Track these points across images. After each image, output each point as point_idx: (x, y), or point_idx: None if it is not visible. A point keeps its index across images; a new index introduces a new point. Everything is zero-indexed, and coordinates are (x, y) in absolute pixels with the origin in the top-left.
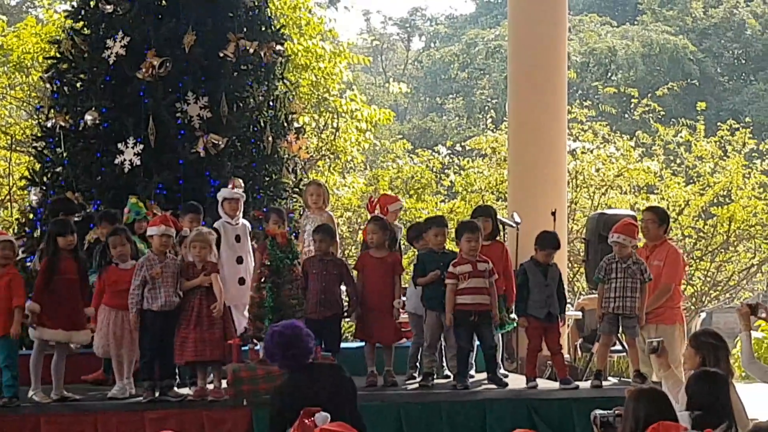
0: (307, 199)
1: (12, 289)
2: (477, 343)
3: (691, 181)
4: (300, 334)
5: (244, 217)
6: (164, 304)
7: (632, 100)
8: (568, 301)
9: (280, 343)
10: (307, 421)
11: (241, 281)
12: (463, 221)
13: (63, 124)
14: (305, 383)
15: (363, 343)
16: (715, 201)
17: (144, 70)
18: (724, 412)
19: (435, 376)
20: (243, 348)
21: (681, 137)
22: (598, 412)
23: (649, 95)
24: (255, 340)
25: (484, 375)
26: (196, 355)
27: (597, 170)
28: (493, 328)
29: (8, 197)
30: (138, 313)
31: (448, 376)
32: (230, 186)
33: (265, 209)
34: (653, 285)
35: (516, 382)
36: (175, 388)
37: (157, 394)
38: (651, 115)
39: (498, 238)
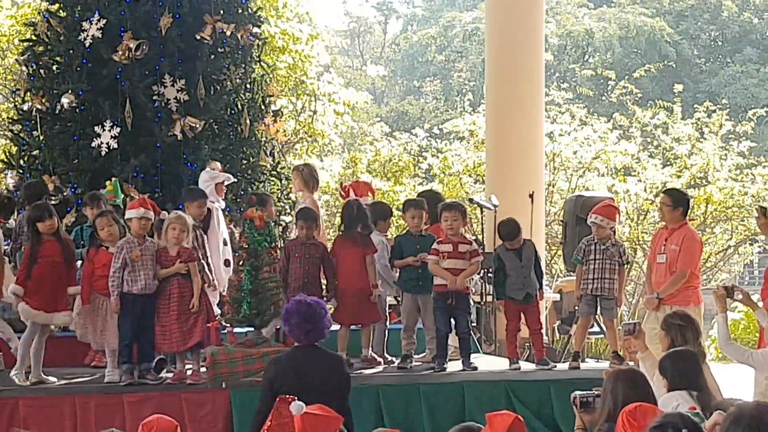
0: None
1: None
2: None
3: (668, 163)
4: (323, 315)
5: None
6: (144, 287)
7: (609, 83)
8: (546, 283)
9: (301, 313)
10: (282, 409)
11: (227, 263)
12: (444, 202)
13: (39, 107)
14: (304, 362)
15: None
16: (692, 183)
17: (120, 52)
18: (702, 386)
19: (413, 358)
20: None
21: (658, 119)
22: (578, 392)
23: (626, 77)
24: (232, 323)
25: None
26: (181, 345)
27: (574, 153)
28: (469, 312)
29: None
30: (118, 296)
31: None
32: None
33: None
34: (669, 269)
35: (494, 363)
36: (153, 371)
37: (135, 377)
38: (628, 97)
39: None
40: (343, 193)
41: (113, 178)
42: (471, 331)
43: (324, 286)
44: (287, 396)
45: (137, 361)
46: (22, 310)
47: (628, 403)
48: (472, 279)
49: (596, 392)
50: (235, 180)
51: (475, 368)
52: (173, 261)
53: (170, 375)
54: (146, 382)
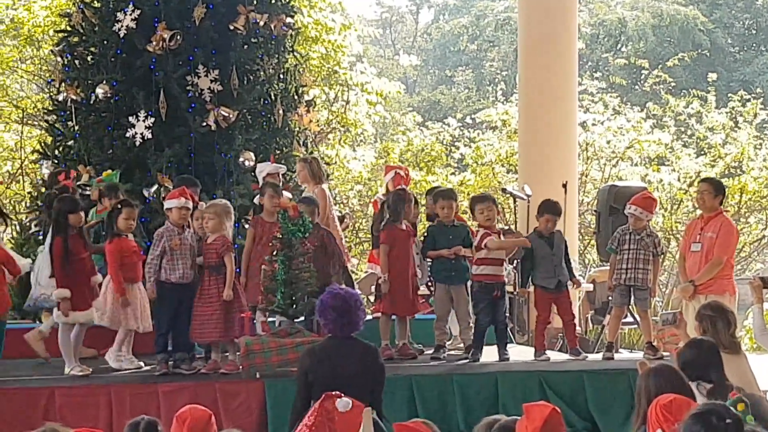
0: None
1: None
2: None
3: (702, 152)
4: (358, 307)
5: None
6: (181, 276)
7: (643, 72)
8: (579, 273)
9: (336, 307)
10: (328, 405)
11: None
12: (474, 196)
13: (74, 97)
14: (339, 353)
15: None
16: (726, 172)
17: (155, 43)
18: (718, 376)
19: (446, 349)
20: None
21: (692, 108)
22: (662, 312)
23: (660, 66)
24: (267, 313)
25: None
26: (219, 336)
27: (608, 142)
28: (506, 302)
29: (20, 171)
30: (155, 282)
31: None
32: (248, 160)
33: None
34: (705, 257)
35: (527, 354)
36: (189, 361)
37: (170, 367)
38: (661, 86)
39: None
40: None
41: (112, 171)
42: (507, 322)
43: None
44: (333, 392)
45: (172, 350)
46: (63, 313)
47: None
48: (506, 269)
49: (676, 311)
50: (282, 169)
51: (508, 358)
52: (206, 249)
53: (204, 365)
54: (181, 372)
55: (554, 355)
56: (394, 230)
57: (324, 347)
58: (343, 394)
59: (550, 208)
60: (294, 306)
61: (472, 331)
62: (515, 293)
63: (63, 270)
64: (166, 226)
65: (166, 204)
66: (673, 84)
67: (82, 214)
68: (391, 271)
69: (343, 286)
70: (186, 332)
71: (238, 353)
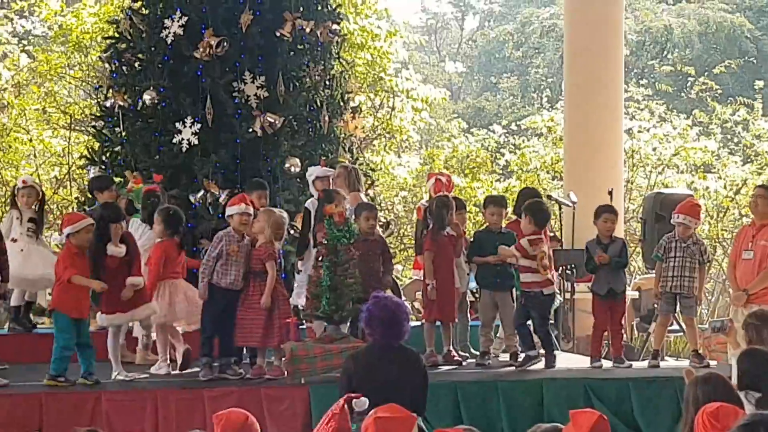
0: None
1: None
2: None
3: (749, 160)
4: (406, 318)
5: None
6: (231, 283)
7: (689, 79)
8: (626, 281)
9: (384, 319)
10: (345, 404)
11: None
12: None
13: (121, 103)
14: (383, 358)
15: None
16: None
17: (201, 49)
18: (767, 386)
19: (491, 355)
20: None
21: (738, 116)
22: (711, 321)
23: (706, 73)
24: (312, 319)
25: None
26: (261, 342)
27: (653, 149)
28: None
29: (67, 176)
30: (207, 284)
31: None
32: (294, 166)
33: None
34: (759, 265)
35: (572, 361)
36: (234, 366)
37: (215, 372)
38: (708, 93)
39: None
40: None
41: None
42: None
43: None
44: (353, 394)
45: (218, 355)
46: (102, 318)
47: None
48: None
49: (726, 318)
50: (332, 173)
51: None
52: (254, 255)
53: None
54: (226, 377)
55: (602, 363)
56: (438, 237)
57: (368, 353)
58: (386, 400)
59: (605, 208)
60: (339, 312)
61: (517, 337)
62: (561, 300)
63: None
64: (227, 230)
65: (228, 210)
66: (719, 91)
67: (124, 223)
68: (435, 278)
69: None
70: (232, 337)
71: (283, 359)
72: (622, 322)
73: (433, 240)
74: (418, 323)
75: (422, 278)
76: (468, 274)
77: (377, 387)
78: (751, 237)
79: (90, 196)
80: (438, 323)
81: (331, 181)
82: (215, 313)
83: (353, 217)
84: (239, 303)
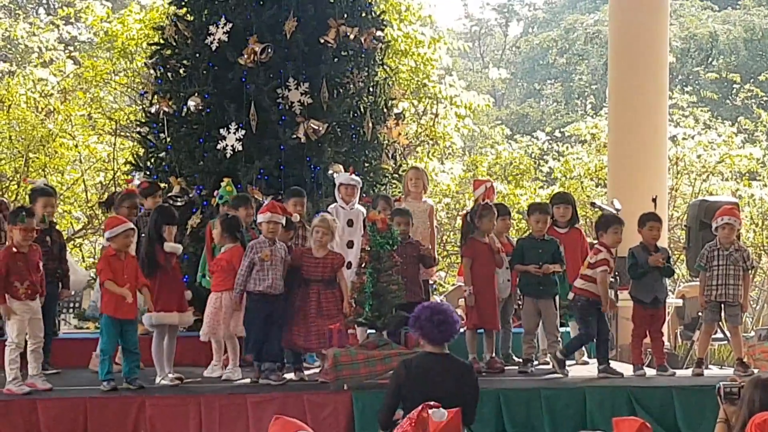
0: (407, 184)
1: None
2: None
3: None
4: (452, 315)
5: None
6: (269, 286)
7: (734, 86)
8: (669, 288)
9: (432, 317)
10: (424, 414)
11: (349, 265)
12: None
13: (166, 109)
14: (435, 367)
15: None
16: None
17: (246, 56)
18: None
19: (533, 362)
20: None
21: None
22: (723, 383)
23: (752, 80)
24: (355, 325)
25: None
26: (318, 346)
27: (698, 156)
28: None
29: (113, 182)
30: (241, 294)
31: (547, 362)
32: (338, 172)
33: (373, 196)
34: None
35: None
36: (278, 372)
37: (258, 377)
38: (753, 100)
39: (576, 225)
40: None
41: (226, 179)
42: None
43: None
44: (431, 402)
45: (262, 360)
46: (151, 317)
47: (765, 410)
48: None
49: (741, 383)
50: (360, 183)
51: (621, 374)
52: (317, 263)
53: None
54: (269, 382)
55: (645, 371)
56: (476, 243)
57: (420, 363)
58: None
59: (649, 216)
60: (382, 318)
61: (560, 345)
62: None
63: (150, 276)
64: (258, 239)
65: (258, 218)
66: (765, 98)
67: (176, 226)
68: (474, 285)
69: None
70: (276, 343)
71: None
72: (662, 328)
73: (471, 246)
74: (461, 330)
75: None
76: (508, 280)
77: (428, 396)
78: None
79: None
80: (481, 330)
81: (359, 189)
82: (257, 318)
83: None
84: (300, 311)
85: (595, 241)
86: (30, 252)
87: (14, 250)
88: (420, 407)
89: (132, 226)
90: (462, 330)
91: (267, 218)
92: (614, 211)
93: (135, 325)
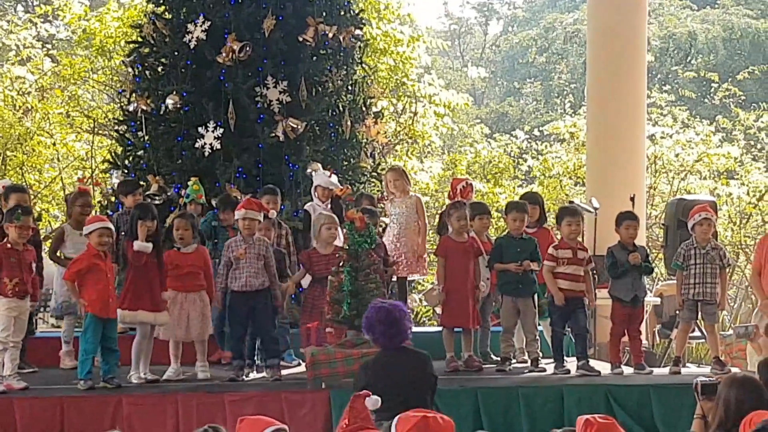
0: (387, 186)
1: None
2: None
3: None
4: (403, 317)
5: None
6: (244, 285)
7: (712, 85)
8: (647, 287)
9: (381, 319)
10: (357, 405)
11: None
12: (564, 206)
13: (144, 107)
14: (393, 364)
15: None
16: None
17: (224, 54)
18: None
19: (513, 361)
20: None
21: (762, 122)
22: (700, 379)
23: (730, 80)
24: (333, 324)
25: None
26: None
27: (676, 155)
28: (586, 312)
29: (90, 180)
30: (222, 292)
31: (525, 361)
32: (316, 170)
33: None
34: None
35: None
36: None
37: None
38: (731, 99)
39: (545, 225)
40: (451, 192)
41: (193, 178)
42: (588, 331)
43: None
44: (361, 392)
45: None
46: (124, 315)
47: (741, 409)
48: None
49: (718, 379)
50: (338, 187)
51: (598, 372)
52: (326, 260)
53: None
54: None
55: (623, 369)
56: (449, 242)
57: (377, 360)
58: (404, 402)
59: (627, 215)
60: (360, 317)
61: (538, 343)
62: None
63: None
64: (234, 237)
65: (235, 215)
66: (743, 97)
67: (155, 222)
68: (447, 283)
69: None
70: (272, 338)
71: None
72: (641, 327)
73: (443, 245)
74: (439, 329)
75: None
76: (487, 279)
77: (393, 391)
78: None
79: (113, 200)
80: (459, 329)
81: (388, 182)
82: (236, 317)
83: None
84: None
85: None
86: (24, 251)
87: (8, 246)
88: (351, 400)
89: (106, 225)
90: (440, 328)
91: (242, 215)
92: (592, 210)
93: (116, 323)
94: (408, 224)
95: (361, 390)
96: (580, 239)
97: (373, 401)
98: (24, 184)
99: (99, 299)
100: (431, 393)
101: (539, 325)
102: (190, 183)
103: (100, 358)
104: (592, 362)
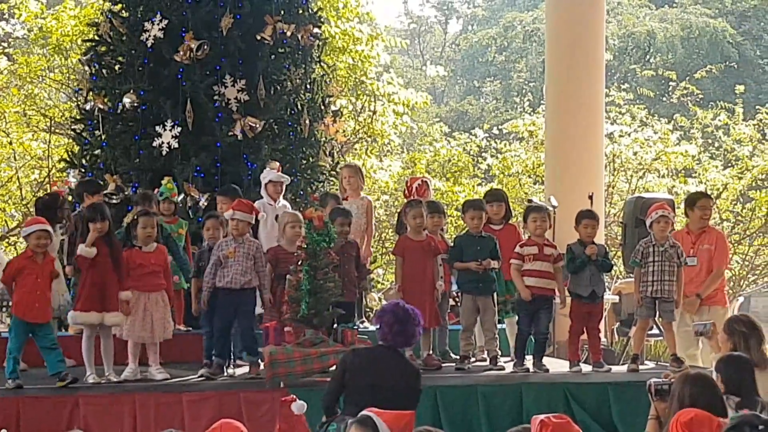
0: (342, 182)
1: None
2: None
3: (729, 164)
4: (415, 324)
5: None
6: (229, 282)
7: (670, 84)
8: (606, 285)
9: (396, 313)
10: (286, 410)
11: None
12: (530, 205)
13: (101, 106)
14: (383, 359)
15: None
16: (754, 185)
17: (182, 52)
18: (750, 393)
19: (472, 359)
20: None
21: (719, 121)
22: (653, 380)
23: (688, 78)
24: (292, 323)
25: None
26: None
27: (634, 154)
28: (551, 314)
29: (47, 179)
30: (209, 292)
31: (484, 359)
32: (275, 169)
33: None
34: (706, 269)
35: (552, 365)
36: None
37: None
38: (689, 98)
39: (511, 221)
40: (407, 191)
41: (167, 177)
42: (548, 334)
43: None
44: (288, 397)
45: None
46: (73, 315)
47: (696, 406)
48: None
49: (671, 380)
50: (288, 180)
51: (547, 370)
52: (292, 258)
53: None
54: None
55: (581, 367)
56: (406, 241)
57: (370, 353)
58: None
59: (586, 214)
60: (318, 316)
61: (497, 342)
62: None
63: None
64: (225, 237)
65: (225, 215)
66: (700, 96)
67: (106, 222)
68: (404, 282)
69: None
70: (253, 336)
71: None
72: (600, 324)
73: (400, 244)
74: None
75: None
76: (441, 277)
77: (371, 389)
78: (691, 243)
79: (70, 199)
80: None
81: (283, 186)
82: (219, 315)
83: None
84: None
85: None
86: None
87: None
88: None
89: (44, 227)
90: None
91: (230, 215)
92: (551, 209)
93: (49, 326)
94: (356, 227)
95: (341, 371)
96: (548, 236)
97: (298, 406)
98: None
99: (22, 302)
100: (412, 406)
101: (504, 322)
102: (163, 182)
103: (44, 359)
104: (545, 360)
